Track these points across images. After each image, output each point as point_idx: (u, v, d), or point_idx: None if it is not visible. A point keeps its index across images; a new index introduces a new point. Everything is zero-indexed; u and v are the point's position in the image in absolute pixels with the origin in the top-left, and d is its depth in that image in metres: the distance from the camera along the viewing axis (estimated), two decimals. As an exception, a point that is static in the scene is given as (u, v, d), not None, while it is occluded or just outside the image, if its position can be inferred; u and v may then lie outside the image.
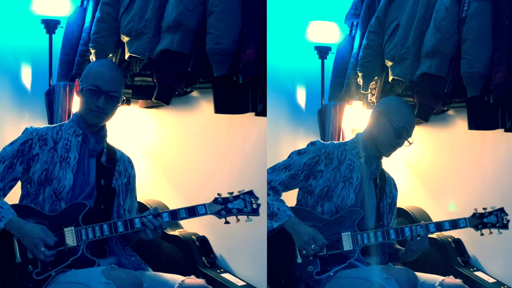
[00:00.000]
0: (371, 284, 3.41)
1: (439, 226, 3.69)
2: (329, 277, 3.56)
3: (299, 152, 3.73)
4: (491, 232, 3.73)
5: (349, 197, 3.65)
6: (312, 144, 3.75)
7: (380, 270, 3.44)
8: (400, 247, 3.79)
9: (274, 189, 3.68)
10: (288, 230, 3.63)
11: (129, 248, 3.55)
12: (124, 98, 3.55)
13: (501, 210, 3.74)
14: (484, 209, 3.74)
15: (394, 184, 3.87)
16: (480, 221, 3.72)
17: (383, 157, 3.77)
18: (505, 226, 3.73)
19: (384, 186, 3.78)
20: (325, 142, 3.78)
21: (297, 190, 3.80)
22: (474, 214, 3.73)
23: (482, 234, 3.72)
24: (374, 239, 3.62)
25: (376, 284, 3.40)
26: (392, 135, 3.69)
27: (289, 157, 3.74)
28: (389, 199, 3.79)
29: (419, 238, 3.63)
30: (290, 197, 3.76)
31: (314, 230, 3.60)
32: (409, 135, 3.72)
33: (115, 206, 3.52)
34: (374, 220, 3.68)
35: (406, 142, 3.73)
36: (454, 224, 3.71)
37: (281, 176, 3.70)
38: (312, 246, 3.58)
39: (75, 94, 4.29)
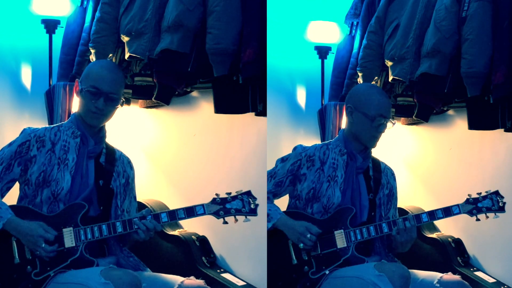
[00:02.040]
0: (365, 282, 3.41)
1: (432, 215, 3.65)
2: (325, 277, 3.56)
3: (282, 159, 3.75)
4: (487, 217, 3.65)
5: (335, 196, 3.65)
6: (294, 149, 3.76)
7: (372, 268, 3.44)
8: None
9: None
10: (281, 228, 3.62)
11: (126, 248, 3.55)
12: (124, 99, 3.53)
13: (496, 193, 3.67)
14: (479, 193, 3.67)
15: (392, 174, 3.83)
16: (474, 206, 3.64)
17: (371, 148, 3.74)
18: (501, 209, 3.65)
19: (380, 177, 3.76)
20: (306, 146, 3.78)
21: (287, 197, 3.80)
22: (467, 200, 3.66)
23: (478, 220, 3.64)
24: (367, 234, 3.62)
25: (369, 281, 3.40)
26: (370, 126, 3.64)
27: (275, 165, 3.75)
28: (387, 190, 3.77)
29: (405, 229, 3.61)
30: (280, 204, 3.75)
31: (306, 222, 3.61)
32: (387, 117, 3.65)
33: (113, 207, 3.52)
34: (367, 214, 3.68)
35: (389, 124, 3.67)
36: (447, 211, 3.64)
37: (268, 186, 3.72)
38: (308, 235, 3.57)
39: (75, 94, 4.33)
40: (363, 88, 3.80)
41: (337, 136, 3.80)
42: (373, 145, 3.71)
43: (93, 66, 3.57)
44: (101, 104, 3.43)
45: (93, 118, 3.47)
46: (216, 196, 3.43)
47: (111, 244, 3.50)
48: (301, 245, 3.59)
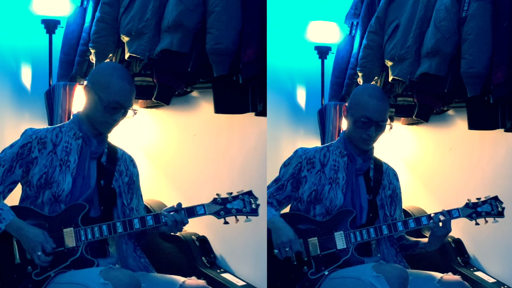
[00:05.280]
0: (363, 283, 3.41)
1: (431, 218, 3.67)
2: (324, 277, 3.56)
3: (285, 164, 3.74)
4: (486, 221, 3.68)
5: (337, 198, 3.64)
6: (294, 153, 3.75)
7: (370, 269, 3.44)
8: (415, 239, 3.78)
9: (268, 204, 3.69)
10: (269, 227, 3.60)
11: (140, 249, 3.54)
12: (136, 110, 3.50)
13: (495, 198, 3.70)
14: (478, 198, 3.70)
15: (394, 175, 3.82)
16: (474, 210, 3.67)
17: (367, 150, 3.74)
18: (500, 214, 3.68)
19: (380, 178, 3.75)
20: (307, 148, 3.76)
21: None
22: (467, 204, 3.68)
23: (477, 224, 3.68)
24: (367, 236, 3.63)
25: (366, 282, 3.40)
26: (360, 130, 3.62)
27: (279, 171, 3.75)
28: (389, 191, 3.77)
29: (441, 224, 3.60)
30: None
31: (295, 235, 3.59)
32: (382, 121, 3.61)
33: (119, 207, 3.50)
34: (366, 216, 3.68)
35: (387, 127, 3.66)
36: (447, 215, 3.65)
37: (270, 190, 3.72)
38: (287, 249, 3.56)
39: (75, 94, 4.31)
40: (359, 92, 3.75)
41: (338, 137, 3.80)
42: (366, 147, 3.69)
43: (112, 77, 3.42)
44: (119, 116, 3.42)
45: (107, 128, 3.46)
46: (217, 196, 3.42)
47: (121, 243, 3.49)
48: (276, 251, 3.57)
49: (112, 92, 3.40)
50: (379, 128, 3.63)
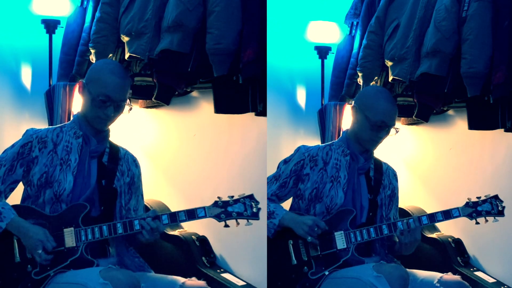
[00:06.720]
0: (363, 283, 3.41)
1: (432, 218, 3.65)
2: (324, 277, 3.56)
3: (285, 161, 3.74)
4: (486, 220, 3.67)
5: (338, 196, 3.65)
6: (296, 150, 3.75)
7: (371, 269, 3.44)
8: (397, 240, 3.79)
9: (269, 200, 3.69)
10: (288, 223, 3.61)
11: (132, 248, 3.54)
12: (131, 106, 3.49)
13: (496, 197, 3.69)
14: (478, 197, 3.69)
15: (394, 175, 3.83)
16: (474, 209, 3.66)
17: (372, 150, 3.75)
18: (500, 213, 3.67)
19: (381, 178, 3.76)
20: (310, 146, 3.77)
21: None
22: (467, 203, 3.68)
23: (477, 223, 3.67)
24: (367, 236, 3.63)
25: (367, 282, 3.40)
26: (370, 129, 3.64)
27: (277, 167, 3.75)
28: (389, 191, 3.77)
29: (409, 231, 3.61)
30: (283, 205, 3.75)
31: (311, 215, 3.61)
32: (391, 124, 3.66)
33: (118, 207, 3.51)
34: (366, 215, 3.68)
35: (392, 131, 3.69)
36: (447, 214, 3.65)
37: (272, 188, 3.72)
38: (316, 229, 3.58)
39: (75, 94, 4.32)
40: (371, 91, 3.79)
41: (340, 136, 3.81)
42: (373, 148, 3.71)
43: (102, 71, 3.45)
44: (111, 111, 3.40)
45: (101, 124, 3.44)
46: (218, 199, 3.42)
47: (116, 244, 3.49)
48: (309, 238, 3.59)
49: (100, 85, 3.40)
50: (389, 131, 3.67)
